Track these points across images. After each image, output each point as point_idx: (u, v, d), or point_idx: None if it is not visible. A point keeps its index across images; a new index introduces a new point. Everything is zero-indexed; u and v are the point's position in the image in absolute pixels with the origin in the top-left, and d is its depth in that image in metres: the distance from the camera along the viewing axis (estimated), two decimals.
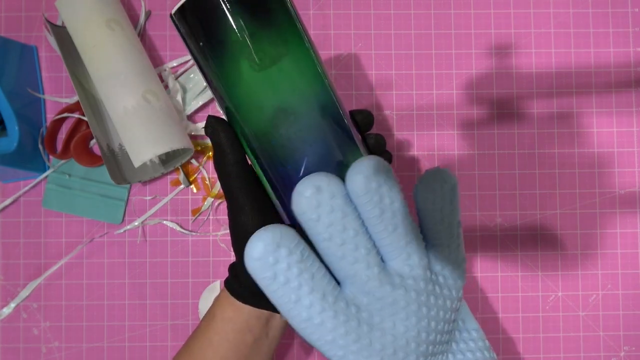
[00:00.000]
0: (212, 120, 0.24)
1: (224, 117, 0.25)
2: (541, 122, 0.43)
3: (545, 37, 0.44)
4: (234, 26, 0.22)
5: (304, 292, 0.21)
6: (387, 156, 0.28)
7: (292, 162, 0.23)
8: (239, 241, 0.25)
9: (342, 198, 0.21)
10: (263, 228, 0.20)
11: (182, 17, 0.23)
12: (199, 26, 0.22)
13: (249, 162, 0.25)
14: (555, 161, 0.43)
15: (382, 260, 0.22)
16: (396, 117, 0.43)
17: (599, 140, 0.43)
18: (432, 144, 0.43)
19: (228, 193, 0.24)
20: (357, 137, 0.24)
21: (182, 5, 0.22)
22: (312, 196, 0.20)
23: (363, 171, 0.21)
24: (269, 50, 0.22)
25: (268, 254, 0.20)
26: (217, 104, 0.25)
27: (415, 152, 0.43)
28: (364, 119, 0.27)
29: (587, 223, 0.43)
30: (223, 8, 0.22)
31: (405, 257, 0.22)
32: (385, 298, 0.22)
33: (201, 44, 0.23)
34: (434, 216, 0.23)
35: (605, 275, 0.43)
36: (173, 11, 0.23)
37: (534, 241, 0.43)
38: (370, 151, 0.27)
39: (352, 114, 0.27)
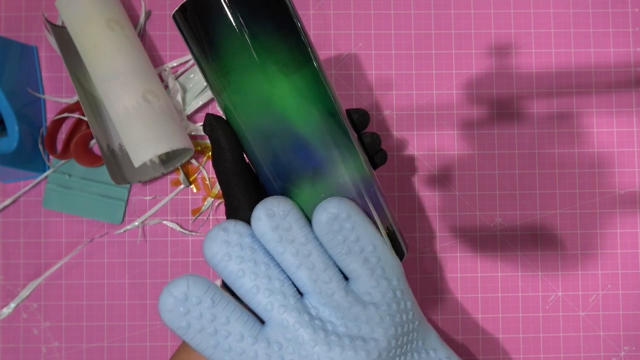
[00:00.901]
0: (210, 118, 0.24)
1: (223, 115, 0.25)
2: (541, 122, 0.43)
3: (545, 37, 0.44)
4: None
5: (221, 336, 0.21)
6: (382, 155, 0.28)
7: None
8: None
9: (249, 237, 0.22)
10: (172, 280, 0.22)
11: (183, 16, 0.23)
12: (199, 26, 0.23)
13: (247, 161, 0.25)
14: (555, 161, 0.43)
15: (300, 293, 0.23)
16: (396, 117, 0.43)
17: (599, 140, 0.43)
18: (432, 144, 0.43)
19: (225, 190, 0.24)
20: (353, 136, 0.25)
21: (184, 5, 0.23)
22: (220, 238, 0.22)
23: (261, 216, 0.22)
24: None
25: (178, 304, 0.21)
26: (216, 102, 0.25)
27: (415, 152, 0.43)
28: (360, 118, 0.27)
29: (587, 223, 0.43)
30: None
31: (315, 296, 0.22)
32: (306, 328, 0.22)
33: (200, 44, 0.23)
34: (339, 251, 0.22)
35: (605, 275, 0.43)
36: (175, 10, 0.23)
37: (534, 241, 0.43)
38: (366, 150, 0.27)
39: (349, 112, 0.27)
